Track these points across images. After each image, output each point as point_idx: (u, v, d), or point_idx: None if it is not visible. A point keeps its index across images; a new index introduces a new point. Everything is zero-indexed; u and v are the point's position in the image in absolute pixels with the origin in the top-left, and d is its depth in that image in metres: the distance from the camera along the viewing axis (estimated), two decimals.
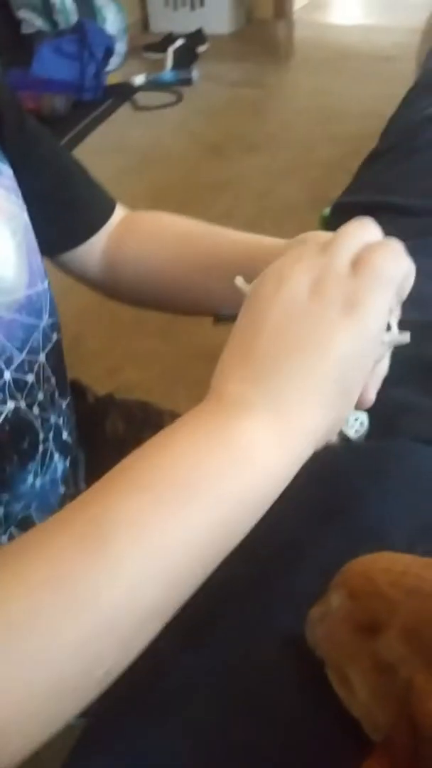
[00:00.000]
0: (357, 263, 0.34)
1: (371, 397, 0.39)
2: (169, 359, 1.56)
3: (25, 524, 0.54)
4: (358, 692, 0.31)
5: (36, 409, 0.52)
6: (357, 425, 0.44)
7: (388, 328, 0.36)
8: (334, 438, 0.36)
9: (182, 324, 1.89)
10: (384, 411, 0.49)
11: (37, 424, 0.53)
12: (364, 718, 0.32)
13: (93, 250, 0.60)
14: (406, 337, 0.38)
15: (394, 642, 0.30)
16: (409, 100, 1.06)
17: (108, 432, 0.73)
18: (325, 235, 0.37)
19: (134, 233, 0.61)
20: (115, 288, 0.63)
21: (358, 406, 0.41)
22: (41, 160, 0.55)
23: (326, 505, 0.43)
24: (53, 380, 0.55)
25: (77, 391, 0.76)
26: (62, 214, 0.57)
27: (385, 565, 0.32)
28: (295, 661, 0.36)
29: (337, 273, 0.34)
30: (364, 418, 0.45)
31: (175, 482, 0.30)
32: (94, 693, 0.28)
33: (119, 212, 0.62)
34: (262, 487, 0.31)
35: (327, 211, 0.93)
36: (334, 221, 0.83)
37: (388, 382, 0.49)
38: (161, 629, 0.30)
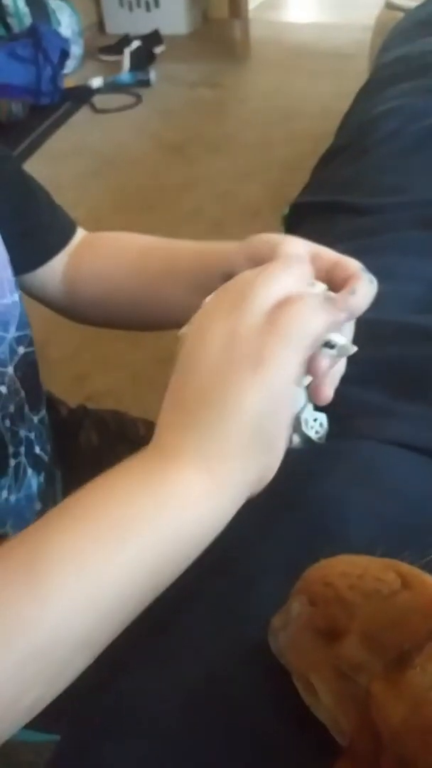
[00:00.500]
0: (270, 317, 0.34)
1: (329, 394, 0.40)
2: (137, 364, 1.55)
3: (2, 542, 0.54)
4: (322, 698, 0.31)
5: (7, 422, 0.52)
6: (317, 426, 0.44)
7: (332, 346, 0.37)
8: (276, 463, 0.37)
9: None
10: (346, 412, 0.50)
11: (7, 437, 0.52)
12: (330, 724, 0.32)
13: (53, 272, 0.60)
14: (352, 349, 0.38)
15: (354, 647, 0.30)
16: (361, 98, 1.07)
17: (83, 445, 0.72)
18: (254, 273, 0.37)
19: (93, 253, 0.61)
20: (75, 308, 0.63)
21: (316, 405, 0.41)
22: (4, 182, 0.55)
23: (287, 506, 0.43)
24: (22, 393, 0.54)
25: (49, 404, 0.76)
26: (22, 237, 0.57)
27: (344, 569, 0.32)
28: (263, 669, 0.36)
29: (247, 329, 0.34)
30: (323, 418, 0.45)
31: (110, 521, 0.31)
32: (19, 723, 0.28)
33: (80, 234, 0.62)
34: (193, 532, 0.33)
35: (286, 210, 0.93)
36: (292, 221, 0.83)
37: (350, 384, 0.49)
38: (93, 661, 0.31)
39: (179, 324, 0.39)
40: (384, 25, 1.83)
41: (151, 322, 0.59)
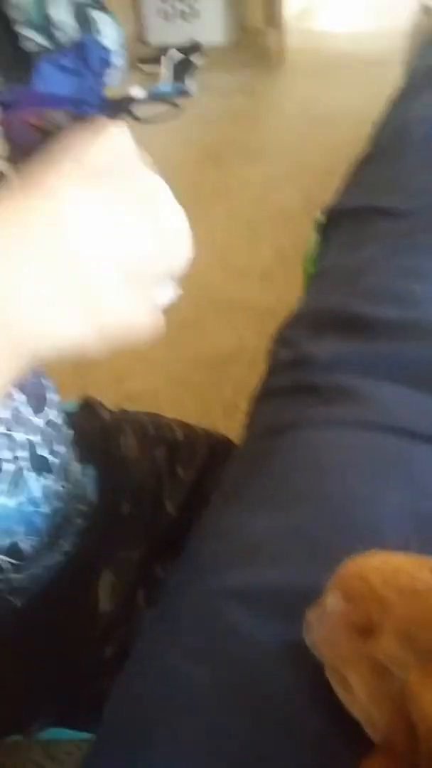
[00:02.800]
0: None
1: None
2: (174, 366, 1.56)
3: (15, 552, 0.54)
4: (356, 694, 0.32)
5: (2, 427, 0.51)
6: None
7: None
8: None
9: (186, 331, 1.90)
10: (391, 409, 0.50)
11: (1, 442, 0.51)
12: (364, 720, 0.32)
13: None
14: None
15: (389, 643, 0.30)
16: (395, 103, 1.07)
17: (122, 450, 0.73)
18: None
19: None
20: None
21: None
22: None
23: (323, 501, 0.44)
24: (19, 396, 0.54)
25: (89, 408, 0.77)
26: None
27: (378, 565, 0.32)
28: (294, 666, 0.37)
29: None
30: None
31: None
32: None
33: None
34: None
35: (320, 216, 0.93)
36: (328, 225, 0.84)
37: (398, 383, 0.49)
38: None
39: None
40: (420, 30, 1.82)
41: None
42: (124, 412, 0.78)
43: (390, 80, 2.50)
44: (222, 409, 1.46)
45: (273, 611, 0.39)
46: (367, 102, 2.66)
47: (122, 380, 1.56)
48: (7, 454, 0.52)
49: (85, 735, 0.68)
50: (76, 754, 0.94)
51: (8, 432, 0.52)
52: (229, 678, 0.38)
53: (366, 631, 0.31)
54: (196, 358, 1.57)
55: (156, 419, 0.79)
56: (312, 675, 0.35)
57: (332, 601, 0.33)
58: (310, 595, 0.34)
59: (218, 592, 0.41)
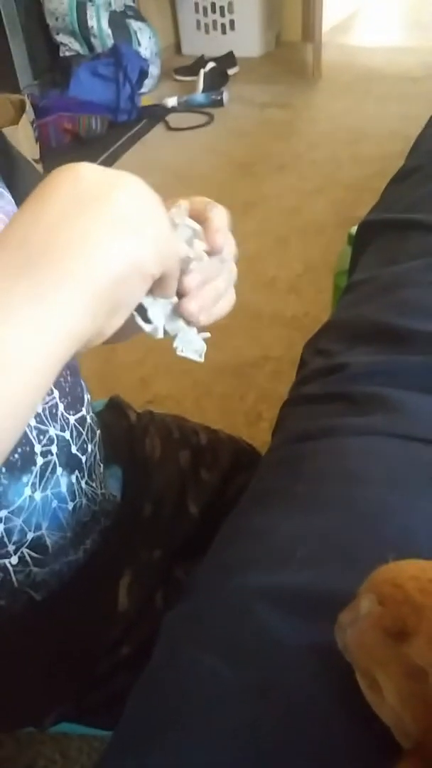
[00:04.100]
0: None
1: (192, 309, 0.40)
2: (198, 373, 1.58)
3: (39, 546, 0.54)
4: (387, 697, 0.32)
5: (33, 420, 0.52)
6: (194, 346, 0.43)
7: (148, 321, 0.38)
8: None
9: (212, 339, 1.89)
10: (414, 413, 0.50)
11: (32, 435, 0.52)
12: (394, 724, 0.32)
13: None
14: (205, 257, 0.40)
15: (424, 648, 0.30)
16: None
17: (147, 451, 0.73)
18: None
19: None
20: None
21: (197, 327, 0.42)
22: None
23: (355, 508, 0.44)
24: (56, 393, 0.55)
25: (116, 408, 0.78)
26: None
27: (414, 573, 0.33)
28: (321, 669, 0.37)
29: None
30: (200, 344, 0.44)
31: None
32: None
33: None
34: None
35: (354, 229, 0.94)
36: (363, 237, 0.84)
37: (409, 388, 0.49)
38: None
39: None
40: None
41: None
42: (150, 413, 0.79)
43: (425, 97, 2.50)
44: (244, 418, 1.46)
45: (303, 613, 0.39)
46: (400, 118, 2.67)
47: (148, 385, 1.58)
48: (40, 449, 0.53)
49: (96, 731, 0.69)
50: (87, 750, 0.94)
51: (43, 427, 0.53)
52: (255, 678, 0.38)
53: (400, 635, 0.31)
54: (220, 366, 1.58)
55: (181, 422, 0.79)
56: (339, 679, 0.35)
57: (366, 604, 0.33)
58: (341, 599, 0.35)
59: (247, 592, 0.41)
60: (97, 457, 0.62)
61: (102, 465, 0.64)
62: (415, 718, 0.30)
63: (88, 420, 0.60)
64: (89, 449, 0.60)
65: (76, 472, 0.58)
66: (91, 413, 0.61)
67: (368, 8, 4.24)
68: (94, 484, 0.61)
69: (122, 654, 0.60)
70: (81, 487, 0.59)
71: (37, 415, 0.53)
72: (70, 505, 0.57)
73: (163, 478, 0.71)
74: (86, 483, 0.60)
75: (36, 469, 0.53)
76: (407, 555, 0.34)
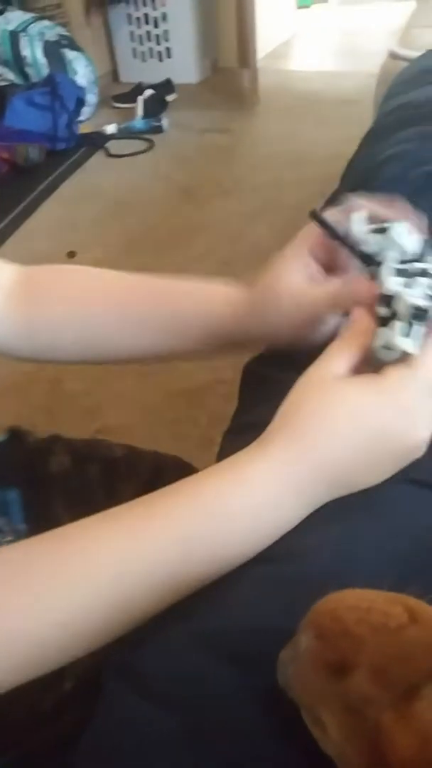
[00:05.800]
0: None
1: None
2: (149, 399, 1.56)
3: None
4: (330, 733, 0.31)
5: None
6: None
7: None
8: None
9: (161, 365, 1.91)
10: None
11: None
12: (338, 758, 0.32)
13: None
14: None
15: (363, 681, 0.30)
16: (365, 143, 1.10)
17: (53, 469, 0.73)
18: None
19: (49, 292, 0.60)
20: (34, 348, 0.61)
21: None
22: None
23: (297, 537, 0.44)
24: None
25: (17, 437, 0.77)
26: None
27: (352, 603, 0.33)
28: (267, 710, 0.36)
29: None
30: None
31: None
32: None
33: (6, 271, 0.60)
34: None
35: None
36: None
37: None
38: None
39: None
40: (388, 74, 1.89)
41: (125, 356, 0.62)
42: (56, 436, 0.78)
43: (360, 119, 2.58)
44: (197, 442, 1.46)
45: (243, 654, 0.39)
46: (338, 139, 2.75)
47: (96, 416, 1.55)
48: None
49: None
50: None
51: None
52: (200, 725, 0.37)
53: (339, 669, 0.31)
54: (170, 391, 1.58)
55: (94, 443, 0.79)
56: (286, 717, 0.34)
57: (305, 639, 0.33)
58: (282, 637, 0.34)
59: (187, 636, 0.40)
60: None
61: None
62: (358, 752, 0.30)
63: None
64: None
65: None
66: None
67: (303, 36, 4.38)
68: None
69: (65, 689, 0.58)
70: None
71: None
72: None
73: (72, 491, 0.70)
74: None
75: None
76: (348, 585, 0.34)
